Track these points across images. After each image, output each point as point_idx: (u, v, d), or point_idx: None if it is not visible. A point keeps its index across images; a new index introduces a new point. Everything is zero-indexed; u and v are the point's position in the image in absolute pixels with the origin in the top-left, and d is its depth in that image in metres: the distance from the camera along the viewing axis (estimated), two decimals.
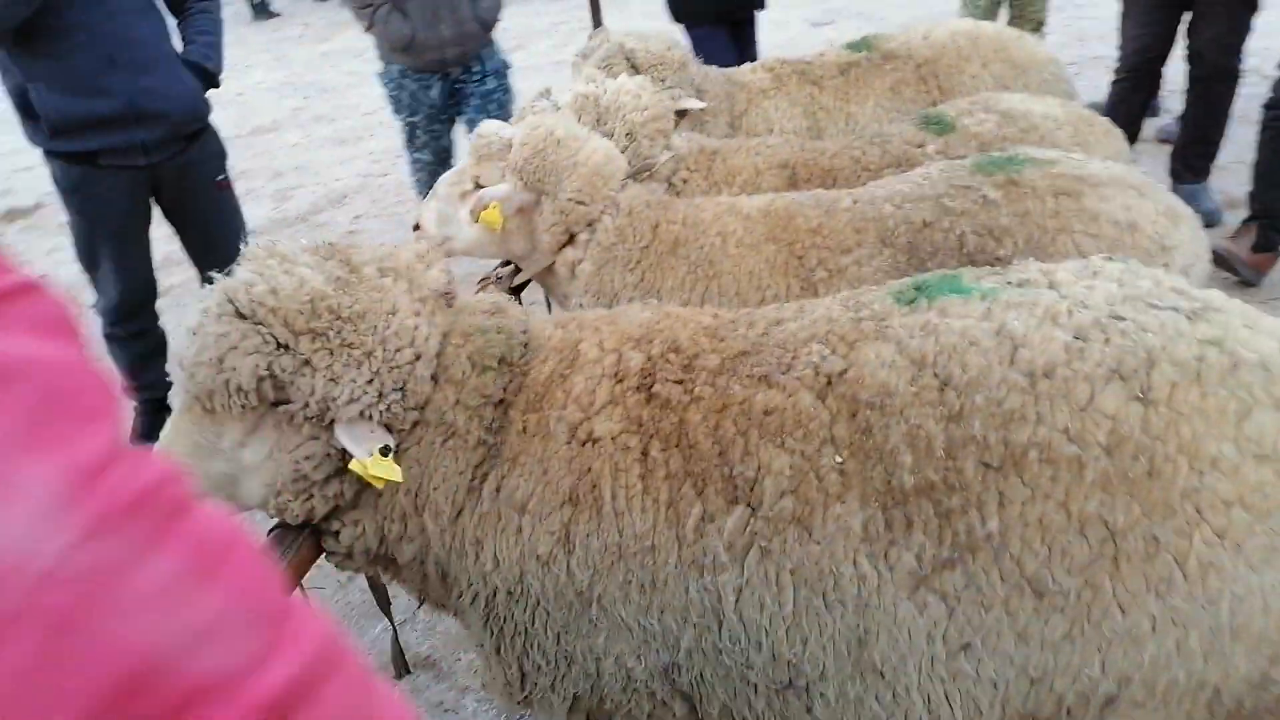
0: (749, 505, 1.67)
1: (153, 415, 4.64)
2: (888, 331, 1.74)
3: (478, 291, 2.82)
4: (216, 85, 4.06)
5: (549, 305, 3.05)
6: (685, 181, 3.14)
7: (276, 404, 1.70)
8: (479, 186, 2.72)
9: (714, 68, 3.91)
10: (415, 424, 1.77)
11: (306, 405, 1.67)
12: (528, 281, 2.88)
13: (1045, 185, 2.45)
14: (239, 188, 9.19)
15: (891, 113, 3.76)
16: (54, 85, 3.49)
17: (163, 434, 1.75)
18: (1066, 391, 1.54)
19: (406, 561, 1.89)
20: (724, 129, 3.73)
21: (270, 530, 1.87)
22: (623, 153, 3.01)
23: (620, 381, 1.82)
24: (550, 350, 1.91)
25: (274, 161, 9.90)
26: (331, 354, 1.66)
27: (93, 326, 4.52)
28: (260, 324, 1.65)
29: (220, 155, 4.21)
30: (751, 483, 1.67)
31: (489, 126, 2.71)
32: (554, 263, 2.74)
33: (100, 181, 3.74)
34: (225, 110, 12.23)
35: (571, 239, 2.69)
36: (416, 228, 2.84)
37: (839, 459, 1.64)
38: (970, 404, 1.58)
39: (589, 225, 2.67)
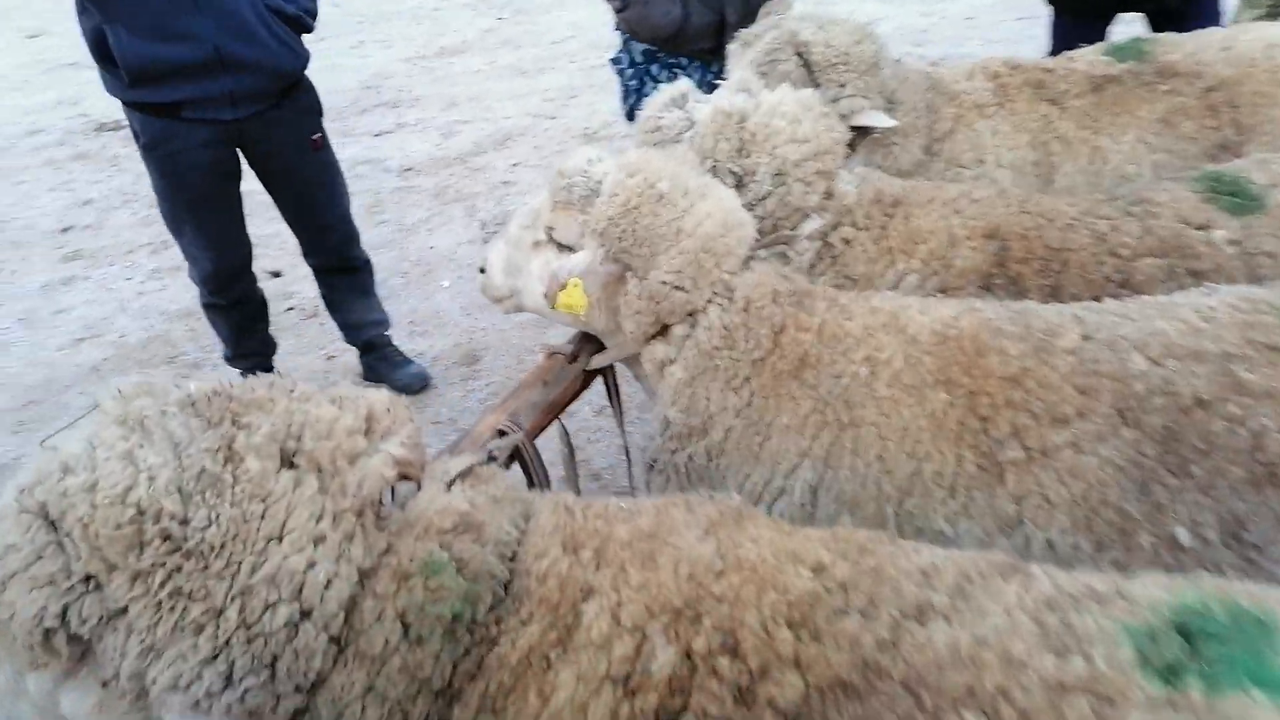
0: None
1: None
2: None
3: (546, 359, 2.17)
4: (309, 30, 3.56)
5: (616, 405, 2.33)
6: (847, 243, 2.31)
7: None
8: (551, 238, 2.03)
9: (919, 68, 2.97)
10: (299, 714, 1.15)
11: (116, 676, 1.08)
12: (608, 365, 2.19)
13: None
14: (411, 115, 8.99)
15: (1160, 154, 2.72)
16: (132, 27, 3.11)
17: None
18: None
19: None
20: (917, 154, 2.82)
21: None
22: (763, 200, 2.22)
23: (631, 695, 1.12)
24: (540, 603, 1.22)
25: (452, 88, 9.56)
26: (158, 609, 1.05)
27: (192, 296, 4.29)
28: (69, 537, 1.06)
29: (315, 110, 3.74)
30: None
31: (576, 160, 1.99)
32: (640, 352, 2.03)
33: (183, 135, 3.37)
34: (419, 25, 12.13)
35: (665, 329, 1.97)
36: (483, 270, 2.19)
37: None
38: None
39: (689, 314, 1.93)
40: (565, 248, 2.00)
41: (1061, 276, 2.20)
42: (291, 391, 1.21)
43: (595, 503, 1.44)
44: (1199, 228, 2.16)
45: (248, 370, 4.32)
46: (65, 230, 6.80)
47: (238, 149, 3.54)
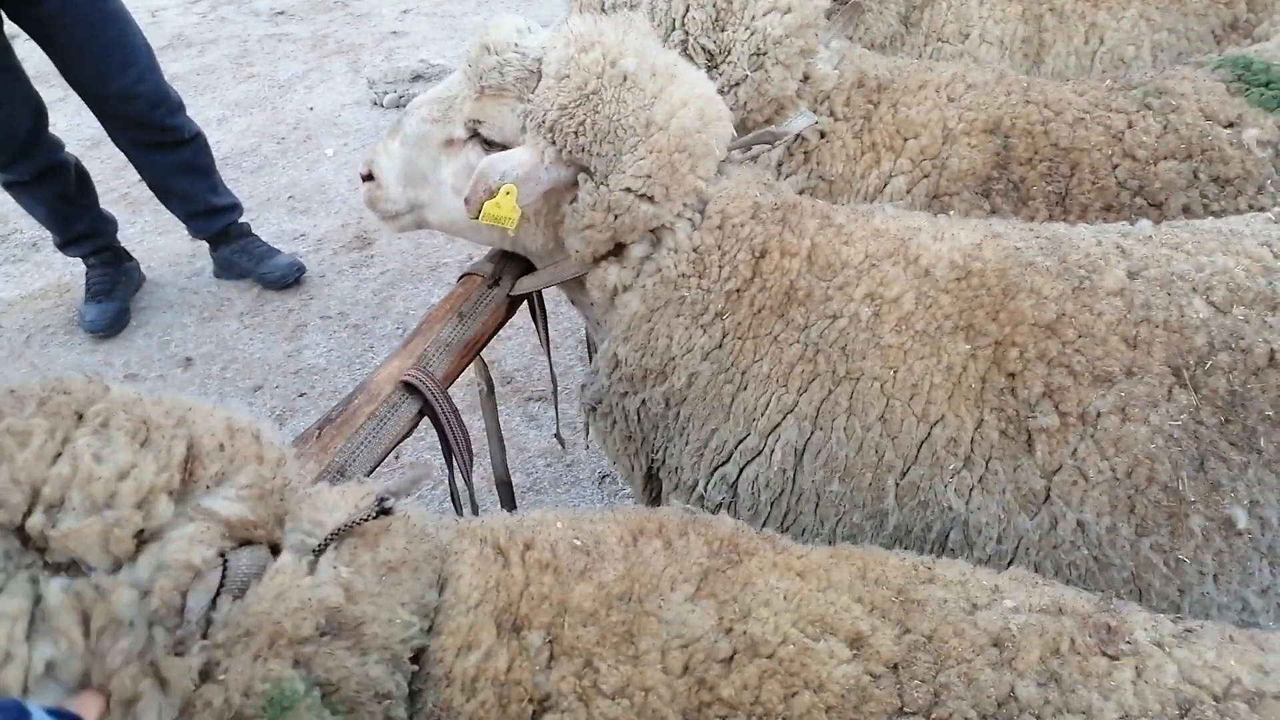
0: None
1: (110, 267, 3.70)
2: None
3: (460, 283, 1.74)
4: None
5: (543, 330, 1.92)
6: (824, 137, 1.93)
7: None
8: (476, 135, 1.56)
9: None
10: None
11: None
12: (534, 291, 1.78)
13: None
14: None
15: (1162, 34, 2.39)
16: None
17: None
18: None
19: None
20: (893, 24, 2.41)
21: None
22: (735, 86, 1.80)
23: None
24: None
25: None
26: None
27: None
28: None
29: None
30: None
31: (502, 31, 1.51)
32: (584, 275, 1.63)
33: None
34: None
35: (619, 248, 1.56)
36: (368, 177, 1.71)
37: None
38: None
39: (652, 232, 1.53)
40: (494, 145, 1.54)
41: (1070, 181, 1.89)
42: (82, 412, 0.77)
43: (537, 527, 1.07)
44: (1227, 125, 1.86)
45: (95, 254, 3.67)
46: None
47: None
